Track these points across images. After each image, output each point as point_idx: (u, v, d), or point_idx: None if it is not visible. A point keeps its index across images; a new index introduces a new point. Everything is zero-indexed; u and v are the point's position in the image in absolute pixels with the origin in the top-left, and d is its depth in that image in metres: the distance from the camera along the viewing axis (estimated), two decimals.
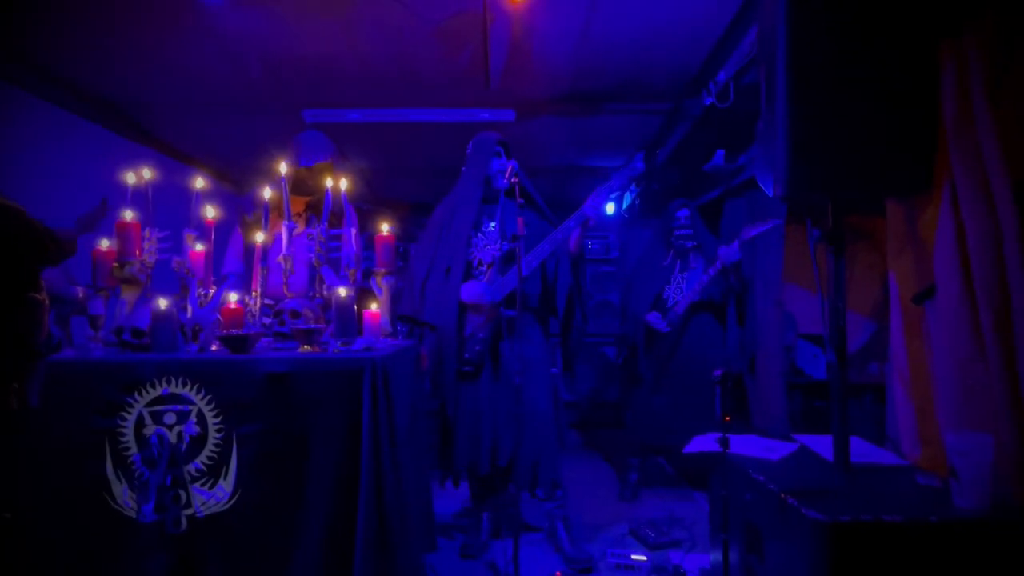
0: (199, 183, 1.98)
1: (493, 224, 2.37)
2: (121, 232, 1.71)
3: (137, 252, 1.71)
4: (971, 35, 1.30)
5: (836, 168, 1.34)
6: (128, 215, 1.72)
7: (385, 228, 1.96)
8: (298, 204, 2.36)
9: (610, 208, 5.03)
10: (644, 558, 2.16)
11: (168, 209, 1.92)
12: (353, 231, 2.03)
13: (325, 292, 1.86)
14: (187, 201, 2.03)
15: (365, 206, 5.14)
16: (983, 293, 1.28)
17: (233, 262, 2.30)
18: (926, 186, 1.37)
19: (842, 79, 1.32)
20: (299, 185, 2.30)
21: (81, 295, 1.66)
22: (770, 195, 1.44)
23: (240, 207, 2.36)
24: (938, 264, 1.40)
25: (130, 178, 1.82)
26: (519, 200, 2.02)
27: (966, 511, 1.21)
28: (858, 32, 1.31)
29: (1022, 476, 1.25)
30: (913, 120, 1.32)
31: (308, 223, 2.28)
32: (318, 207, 2.25)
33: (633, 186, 4.53)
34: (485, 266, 2.32)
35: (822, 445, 1.66)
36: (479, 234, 2.37)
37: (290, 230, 1.89)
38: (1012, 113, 1.27)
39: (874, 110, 1.33)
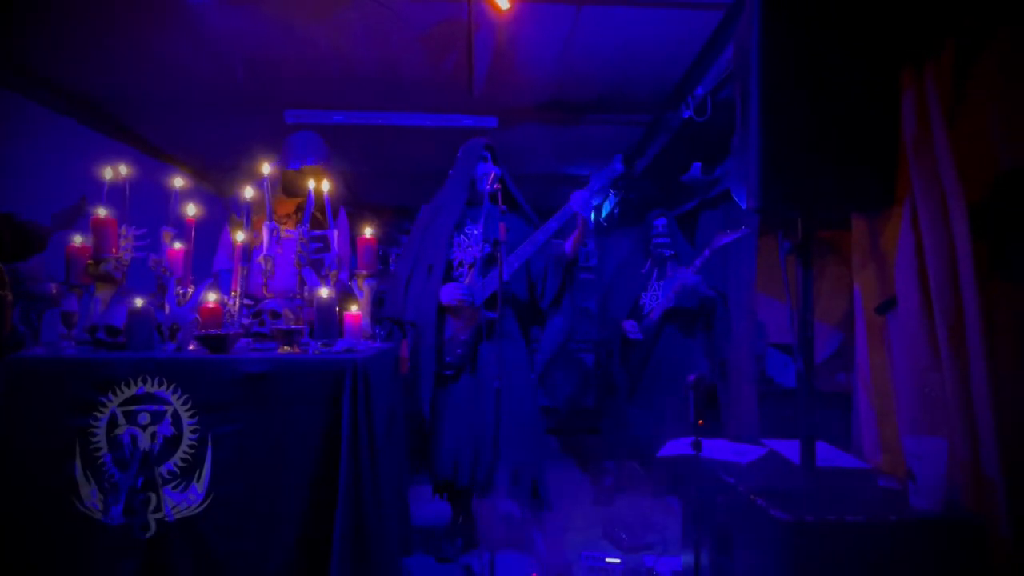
0: (178, 182, 1.96)
1: (476, 226, 2.38)
2: (97, 229, 1.68)
3: (113, 249, 1.69)
4: (930, 65, 1.39)
5: (805, 183, 1.41)
6: (103, 212, 1.70)
7: (367, 231, 1.97)
8: (288, 206, 2.34)
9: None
10: (618, 561, 2.19)
11: (146, 207, 1.90)
12: (337, 233, 2.03)
13: (307, 293, 1.86)
14: (165, 200, 2.01)
15: (346, 208, 5.10)
16: (939, 306, 1.36)
17: (224, 260, 2.28)
18: (888, 203, 1.44)
19: (812, 99, 1.39)
20: (288, 187, 2.29)
21: (54, 291, 1.63)
22: (743, 207, 1.49)
23: (228, 206, 2.34)
24: (898, 277, 1.47)
25: (107, 174, 1.80)
26: (502, 206, 2.05)
27: (922, 511, 1.27)
28: (827, 56, 1.38)
29: (972, 478, 1.32)
30: (877, 140, 1.39)
31: (299, 225, 2.27)
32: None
33: (612, 191, 4.56)
34: (466, 267, 2.33)
35: (790, 449, 1.72)
36: (461, 235, 2.37)
37: (271, 230, 1.88)
38: (966, 138, 1.35)
39: (841, 130, 1.39)
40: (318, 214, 2.08)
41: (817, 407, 1.51)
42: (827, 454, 1.71)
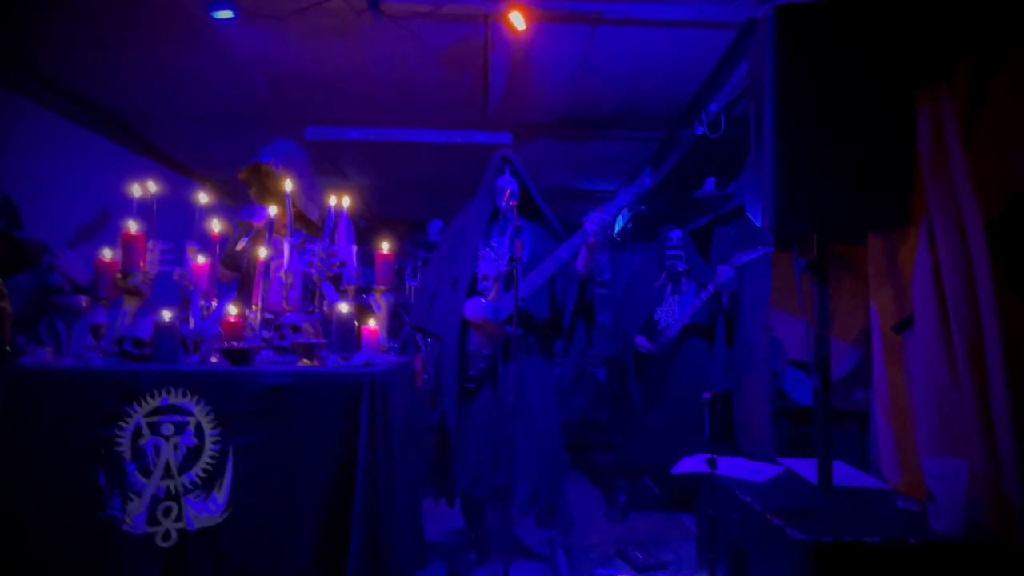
0: (203, 198, 2.02)
1: (502, 239, 2.35)
2: (125, 243, 1.73)
3: (140, 263, 1.74)
4: (944, 85, 1.40)
5: (821, 202, 1.42)
6: (133, 227, 1.75)
7: (385, 246, 2.01)
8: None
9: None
10: None
11: (168, 222, 1.95)
12: (353, 248, 2.07)
13: (325, 308, 1.89)
14: (187, 214, 2.06)
15: (362, 223, 5.18)
16: (957, 325, 1.35)
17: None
18: (905, 222, 1.45)
19: (827, 118, 1.41)
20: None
21: (84, 304, 1.68)
22: (758, 225, 1.50)
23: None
24: (916, 296, 1.47)
25: (136, 191, 1.85)
26: (519, 222, 2.07)
27: (942, 534, 1.26)
28: (842, 75, 1.40)
29: (994, 500, 1.31)
30: (893, 159, 1.40)
31: (293, 236, 2.27)
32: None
33: (639, 205, 4.53)
34: (490, 281, 2.31)
35: (807, 469, 1.70)
36: (487, 249, 2.36)
37: (292, 245, 1.93)
38: (982, 157, 1.35)
39: (857, 148, 1.40)
40: (305, 213, 2.08)
41: (834, 425, 1.50)
42: (844, 474, 1.69)
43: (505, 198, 2.24)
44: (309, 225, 2.25)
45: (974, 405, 1.33)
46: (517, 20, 2.33)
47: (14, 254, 1.46)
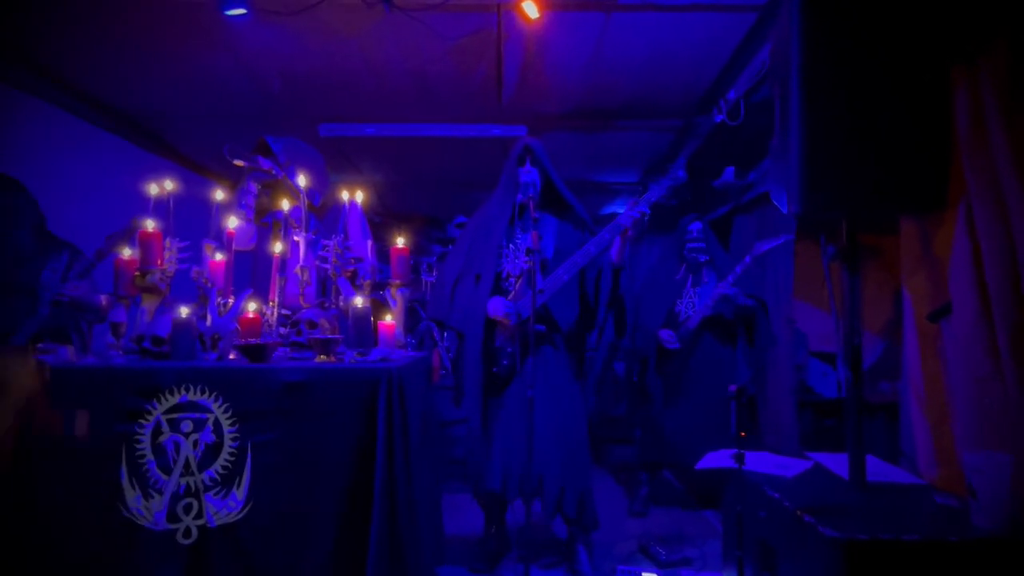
0: (219, 195, 2.02)
1: (526, 236, 2.24)
2: (143, 242, 1.74)
3: (159, 261, 1.74)
4: (984, 61, 1.32)
5: (851, 186, 1.36)
6: (150, 225, 1.75)
7: (400, 241, 1.99)
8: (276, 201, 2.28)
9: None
10: None
11: (185, 220, 1.96)
12: (368, 243, 2.06)
13: (341, 303, 1.88)
14: (204, 212, 2.06)
15: (377, 218, 5.19)
16: (999, 312, 1.29)
17: None
18: (941, 205, 1.38)
19: (857, 98, 1.34)
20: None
21: (104, 303, 1.70)
22: (784, 212, 1.45)
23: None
24: (953, 282, 1.40)
25: (152, 189, 1.86)
26: (535, 214, 2.02)
27: (985, 531, 1.20)
28: (871, 53, 1.34)
29: None
30: (928, 139, 1.34)
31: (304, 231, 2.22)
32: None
33: (672, 199, 4.43)
34: (514, 278, 2.25)
35: (837, 463, 1.65)
36: (511, 245, 2.29)
37: (307, 241, 1.92)
38: None
39: (889, 129, 1.34)
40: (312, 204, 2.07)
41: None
42: (876, 468, 1.63)
43: (524, 191, 2.18)
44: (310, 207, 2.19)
45: (1017, 395, 1.27)
46: (530, 9, 2.28)
47: None
